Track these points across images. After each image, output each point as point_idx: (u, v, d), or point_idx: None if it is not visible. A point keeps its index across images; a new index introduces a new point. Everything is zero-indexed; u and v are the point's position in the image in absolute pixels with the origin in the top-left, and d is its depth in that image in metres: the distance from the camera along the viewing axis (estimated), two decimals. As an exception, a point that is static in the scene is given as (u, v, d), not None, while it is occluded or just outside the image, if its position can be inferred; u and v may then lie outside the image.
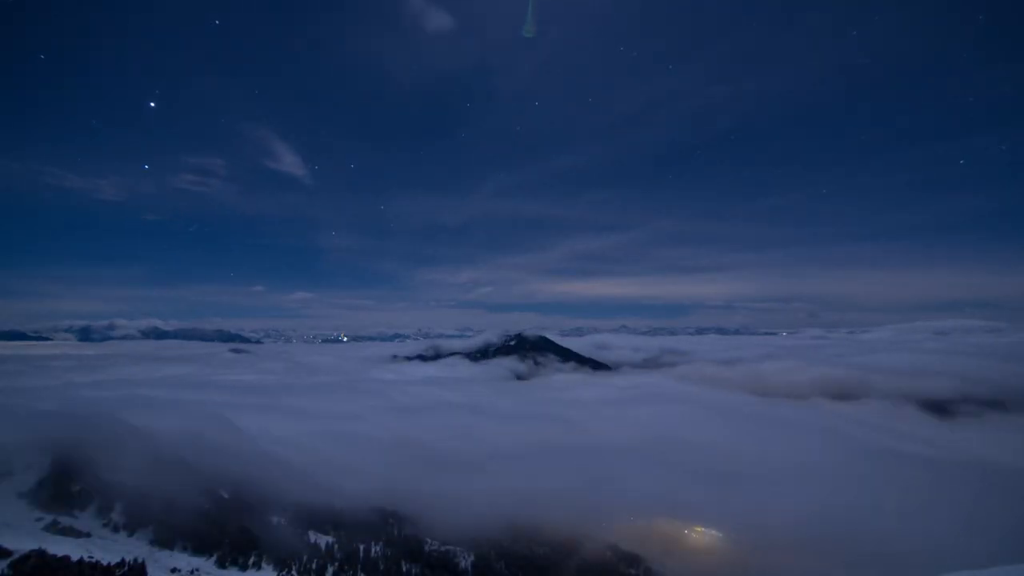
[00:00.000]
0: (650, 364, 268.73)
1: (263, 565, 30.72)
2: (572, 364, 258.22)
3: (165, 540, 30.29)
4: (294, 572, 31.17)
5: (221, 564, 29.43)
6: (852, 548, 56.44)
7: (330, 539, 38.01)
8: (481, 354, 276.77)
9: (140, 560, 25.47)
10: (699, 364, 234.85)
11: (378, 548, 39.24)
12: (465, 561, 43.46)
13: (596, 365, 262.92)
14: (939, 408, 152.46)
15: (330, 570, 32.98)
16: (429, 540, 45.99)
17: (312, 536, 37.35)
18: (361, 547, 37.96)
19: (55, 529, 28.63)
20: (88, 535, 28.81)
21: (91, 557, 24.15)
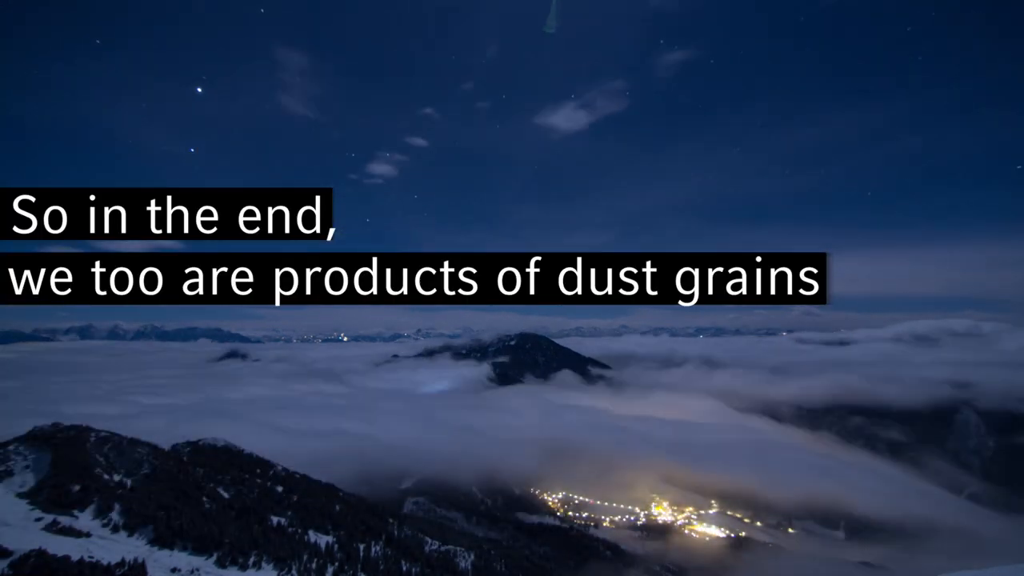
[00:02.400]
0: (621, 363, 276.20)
1: (263, 565, 30.72)
2: (571, 365, 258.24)
3: (165, 540, 30.27)
4: (294, 572, 31.19)
5: (221, 564, 29.42)
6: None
7: (330, 539, 38.02)
8: (480, 355, 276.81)
9: (140, 560, 25.48)
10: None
11: (378, 548, 39.26)
12: (465, 561, 43.50)
13: (595, 365, 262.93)
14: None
15: (330, 570, 32.98)
16: (429, 540, 46.01)
17: (312, 536, 37.35)
18: (361, 547, 37.98)
19: (55, 529, 28.61)
20: (88, 535, 28.81)
21: (91, 557, 24.15)
